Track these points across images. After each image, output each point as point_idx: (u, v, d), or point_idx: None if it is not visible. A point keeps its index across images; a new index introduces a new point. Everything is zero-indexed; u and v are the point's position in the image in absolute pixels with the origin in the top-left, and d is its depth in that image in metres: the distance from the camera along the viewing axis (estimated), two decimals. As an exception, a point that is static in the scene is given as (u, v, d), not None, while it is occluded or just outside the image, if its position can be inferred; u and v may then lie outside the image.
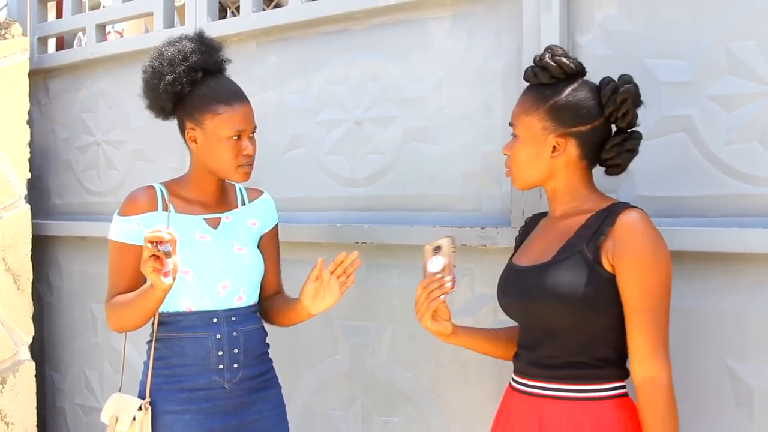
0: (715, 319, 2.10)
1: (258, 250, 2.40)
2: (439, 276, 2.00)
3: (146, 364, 2.33)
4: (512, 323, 2.06)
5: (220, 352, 2.26)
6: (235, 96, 2.27)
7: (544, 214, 2.09)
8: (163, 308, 2.27)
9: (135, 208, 2.27)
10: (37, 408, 3.69)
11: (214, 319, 2.27)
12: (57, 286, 3.88)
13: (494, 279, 2.07)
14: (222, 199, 2.39)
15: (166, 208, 2.29)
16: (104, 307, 2.32)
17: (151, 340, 2.33)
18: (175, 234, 1.98)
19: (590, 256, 1.81)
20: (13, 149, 3.64)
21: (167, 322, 2.29)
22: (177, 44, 2.31)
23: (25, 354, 3.63)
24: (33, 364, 3.66)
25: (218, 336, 2.27)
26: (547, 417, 1.85)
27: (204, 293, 2.27)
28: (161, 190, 2.31)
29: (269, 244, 2.47)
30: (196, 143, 2.29)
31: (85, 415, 3.74)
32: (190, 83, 2.26)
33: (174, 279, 2.00)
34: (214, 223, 2.34)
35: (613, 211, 1.83)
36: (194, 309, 2.27)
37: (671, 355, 2.08)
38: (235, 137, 2.24)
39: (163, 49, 2.31)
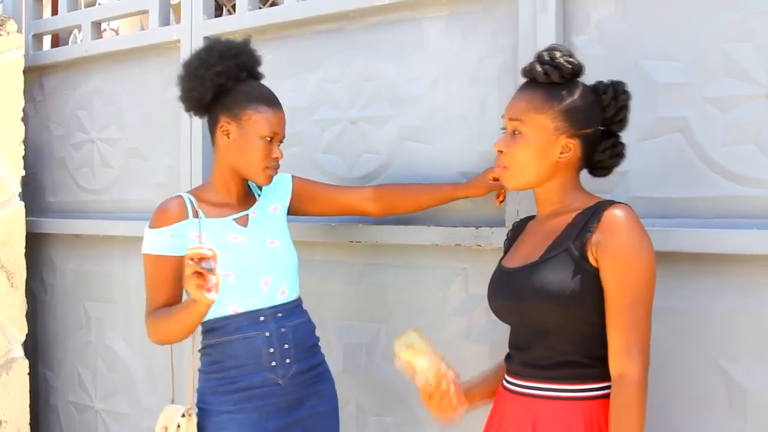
0: (709, 320, 2.10)
1: (290, 239, 2.43)
2: (433, 378, 1.92)
3: (199, 370, 2.37)
4: (502, 331, 2.06)
5: (271, 350, 2.28)
6: (276, 101, 2.36)
7: (531, 218, 2.08)
8: (210, 315, 2.26)
9: (166, 219, 2.28)
10: (30, 406, 3.69)
11: (261, 318, 2.29)
12: (51, 283, 3.87)
13: (488, 278, 2.07)
14: (245, 197, 2.43)
15: (196, 216, 2.30)
16: (145, 321, 2.31)
17: (202, 348, 2.35)
18: (215, 249, 2.00)
19: (577, 252, 1.81)
20: (7, 146, 3.63)
21: (216, 328, 2.30)
22: (227, 42, 2.39)
23: (19, 352, 3.62)
24: (26, 362, 3.65)
25: (267, 334, 2.28)
26: (540, 417, 1.85)
27: (248, 293, 2.29)
28: (189, 199, 2.33)
29: (306, 191, 2.52)
30: (228, 138, 2.32)
31: (78, 413, 3.73)
32: (234, 79, 2.32)
33: (217, 293, 2.01)
34: (243, 222, 2.36)
35: (600, 207, 1.84)
36: (241, 310, 2.29)
37: (664, 355, 2.09)
38: (269, 138, 2.30)
39: (212, 44, 2.39)
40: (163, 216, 2.29)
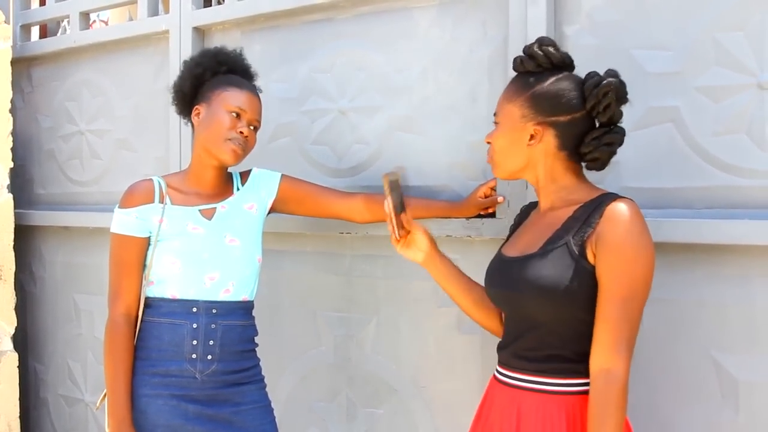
0: (701, 311, 2.09)
1: (256, 241, 2.42)
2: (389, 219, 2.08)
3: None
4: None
5: (195, 342, 2.29)
6: (248, 86, 2.40)
7: (535, 204, 2.07)
8: (151, 293, 2.34)
9: (133, 201, 2.34)
10: (20, 399, 3.67)
11: (194, 309, 2.31)
12: (40, 276, 3.85)
13: (480, 269, 2.06)
14: (220, 189, 2.42)
15: (162, 201, 2.34)
16: (108, 317, 2.34)
17: (140, 321, 2.37)
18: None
19: (576, 249, 1.79)
20: (-5, 138, 3.61)
21: (152, 305, 2.34)
22: (219, 46, 2.51)
23: (8, 345, 3.61)
24: (16, 355, 3.63)
25: (195, 325, 2.30)
26: (524, 409, 1.85)
27: (189, 283, 2.31)
28: (159, 183, 2.38)
29: (294, 193, 2.52)
30: (199, 118, 2.37)
31: (68, 406, 3.72)
32: (212, 72, 2.40)
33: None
34: (209, 214, 2.37)
35: (603, 202, 1.81)
36: (178, 297, 2.31)
37: (656, 345, 2.09)
38: (235, 114, 2.33)
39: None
40: (130, 197, 2.35)
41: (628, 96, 1.91)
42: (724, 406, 2.06)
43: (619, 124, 1.91)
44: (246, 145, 2.34)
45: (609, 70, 1.89)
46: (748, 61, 2.04)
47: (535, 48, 1.90)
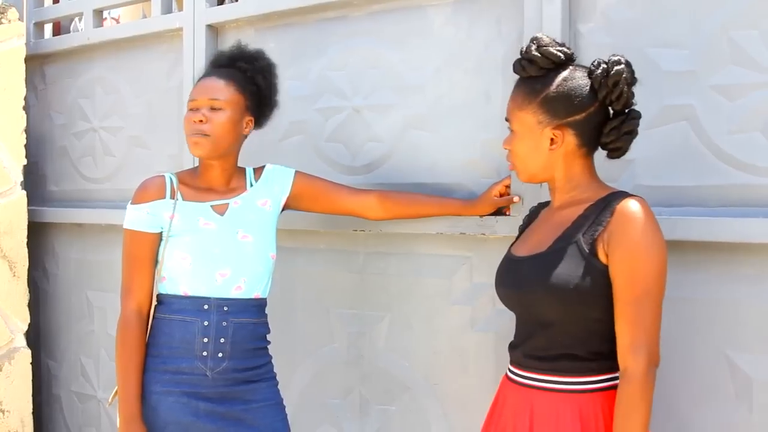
0: (715, 309, 2.09)
1: (269, 237, 2.42)
2: None
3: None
4: (507, 320, 2.05)
5: (205, 339, 2.29)
6: (208, 73, 2.42)
7: (546, 204, 2.07)
8: (164, 290, 2.34)
9: (145, 197, 2.35)
10: (32, 395, 3.69)
11: (205, 306, 2.31)
12: (53, 273, 3.87)
13: (493, 268, 2.06)
14: (232, 184, 2.43)
15: (174, 196, 2.35)
16: (120, 313, 2.35)
17: (152, 318, 2.37)
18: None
19: (586, 248, 1.78)
20: (9, 135, 3.62)
21: (164, 302, 2.35)
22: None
23: (21, 341, 3.62)
24: (29, 352, 3.65)
25: (206, 323, 2.30)
26: (537, 408, 1.85)
27: (200, 279, 2.31)
28: (171, 179, 2.38)
29: (308, 190, 2.51)
30: None
31: (81, 403, 3.73)
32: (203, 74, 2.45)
33: None
34: (222, 210, 2.37)
35: (613, 200, 1.81)
36: (190, 294, 2.31)
37: (670, 344, 2.09)
38: (192, 109, 2.34)
39: None
40: (142, 193, 2.37)
41: (643, 94, 1.91)
42: (738, 405, 2.06)
43: (633, 108, 1.89)
44: (209, 130, 2.30)
45: (613, 55, 1.86)
46: (763, 59, 2.04)
47: (534, 51, 1.87)
